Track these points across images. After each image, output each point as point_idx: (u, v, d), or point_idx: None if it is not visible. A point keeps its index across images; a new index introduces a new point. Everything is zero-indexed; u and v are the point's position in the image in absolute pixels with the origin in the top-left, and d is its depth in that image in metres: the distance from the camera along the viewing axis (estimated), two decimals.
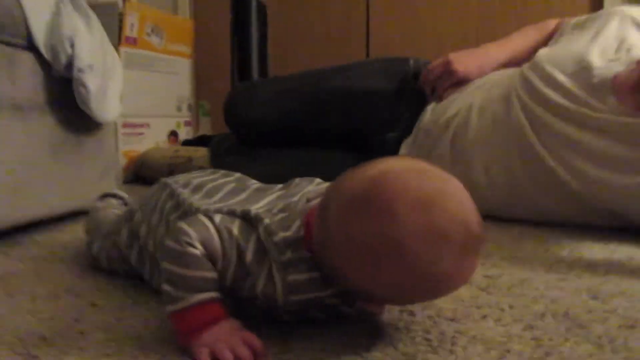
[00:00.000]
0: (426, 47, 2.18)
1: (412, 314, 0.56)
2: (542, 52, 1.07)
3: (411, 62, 1.25)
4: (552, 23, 1.24)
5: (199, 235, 0.47)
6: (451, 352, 0.47)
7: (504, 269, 0.72)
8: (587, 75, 0.97)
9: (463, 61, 1.16)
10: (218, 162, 1.36)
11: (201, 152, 1.73)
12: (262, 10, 1.89)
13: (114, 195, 0.83)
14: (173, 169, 1.62)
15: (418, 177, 0.43)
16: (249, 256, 0.47)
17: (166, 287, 0.47)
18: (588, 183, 0.93)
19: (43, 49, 0.91)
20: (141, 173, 1.79)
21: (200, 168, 1.21)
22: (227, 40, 1.96)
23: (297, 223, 0.47)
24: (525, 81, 1.02)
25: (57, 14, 0.95)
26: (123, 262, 0.65)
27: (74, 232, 0.95)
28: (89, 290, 0.64)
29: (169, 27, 2.04)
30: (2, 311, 0.58)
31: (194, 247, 0.46)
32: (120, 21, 1.74)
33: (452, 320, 0.55)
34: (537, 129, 0.98)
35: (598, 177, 0.91)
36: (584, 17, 1.17)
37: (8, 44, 0.89)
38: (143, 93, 1.93)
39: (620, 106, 0.92)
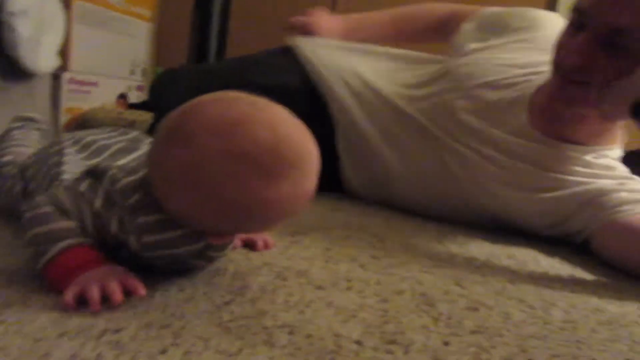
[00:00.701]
0: None
1: (285, 279, 0.61)
2: (464, 69, 1.04)
3: None
4: (447, 8, 1.22)
5: (47, 199, 0.50)
6: (302, 312, 0.52)
7: (389, 252, 0.78)
8: (509, 90, 0.98)
9: (327, 29, 1.18)
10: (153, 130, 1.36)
11: (146, 117, 1.73)
12: None
13: (32, 120, 0.83)
14: None
15: (225, 105, 0.46)
16: (97, 205, 0.50)
17: (31, 249, 0.49)
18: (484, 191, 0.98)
19: None
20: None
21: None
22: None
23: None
24: (444, 103, 1.02)
25: None
26: (15, 207, 0.67)
27: None
28: None
29: None
30: None
31: (44, 207, 0.49)
32: None
33: (319, 287, 0.59)
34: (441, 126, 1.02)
35: (494, 189, 0.97)
36: (499, 11, 1.12)
37: None
38: (95, 51, 1.91)
39: (529, 127, 0.94)
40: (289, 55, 1.24)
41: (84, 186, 0.52)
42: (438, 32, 1.22)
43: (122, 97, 2.05)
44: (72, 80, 1.83)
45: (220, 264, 0.63)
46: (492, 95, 1.00)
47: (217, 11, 1.88)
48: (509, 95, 0.99)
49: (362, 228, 0.92)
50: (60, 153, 0.63)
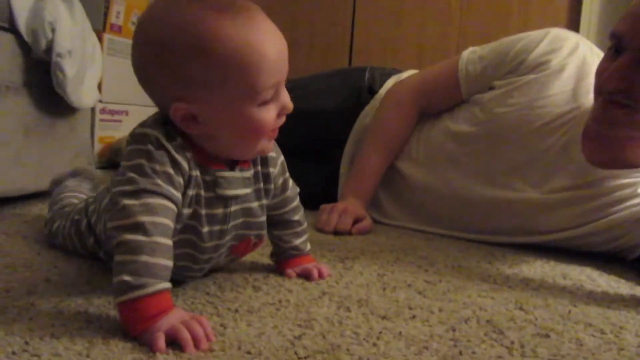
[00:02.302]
0: (407, 52, 2.25)
1: (348, 310, 0.60)
2: (507, 120, 1.00)
3: (367, 74, 1.26)
4: (407, 97, 1.14)
5: (151, 213, 0.50)
6: (375, 345, 0.51)
7: (444, 276, 0.77)
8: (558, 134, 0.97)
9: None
10: None
11: None
12: None
13: (85, 174, 0.86)
14: None
15: None
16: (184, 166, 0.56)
17: (124, 277, 0.47)
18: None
19: (24, 32, 0.93)
20: (115, 159, 1.81)
21: None
22: None
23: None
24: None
25: None
26: (80, 242, 0.68)
27: (41, 211, 0.98)
28: (45, 265, 0.67)
29: None
30: None
31: (156, 234, 0.49)
32: (107, 8, 1.75)
33: (383, 317, 0.59)
34: None
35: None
36: (506, 44, 1.05)
37: None
38: (125, 81, 1.94)
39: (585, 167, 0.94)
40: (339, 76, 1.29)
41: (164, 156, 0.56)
42: (424, 114, 1.15)
43: None
44: (104, 110, 1.87)
45: (280, 294, 0.64)
46: (542, 144, 0.97)
47: None
48: (559, 140, 0.97)
49: (407, 251, 0.91)
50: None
